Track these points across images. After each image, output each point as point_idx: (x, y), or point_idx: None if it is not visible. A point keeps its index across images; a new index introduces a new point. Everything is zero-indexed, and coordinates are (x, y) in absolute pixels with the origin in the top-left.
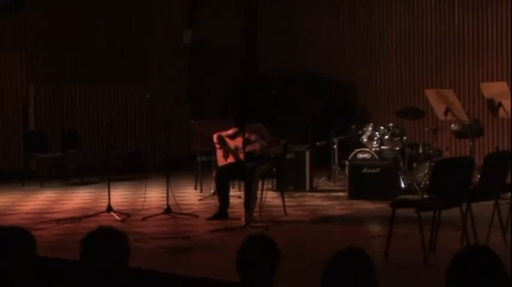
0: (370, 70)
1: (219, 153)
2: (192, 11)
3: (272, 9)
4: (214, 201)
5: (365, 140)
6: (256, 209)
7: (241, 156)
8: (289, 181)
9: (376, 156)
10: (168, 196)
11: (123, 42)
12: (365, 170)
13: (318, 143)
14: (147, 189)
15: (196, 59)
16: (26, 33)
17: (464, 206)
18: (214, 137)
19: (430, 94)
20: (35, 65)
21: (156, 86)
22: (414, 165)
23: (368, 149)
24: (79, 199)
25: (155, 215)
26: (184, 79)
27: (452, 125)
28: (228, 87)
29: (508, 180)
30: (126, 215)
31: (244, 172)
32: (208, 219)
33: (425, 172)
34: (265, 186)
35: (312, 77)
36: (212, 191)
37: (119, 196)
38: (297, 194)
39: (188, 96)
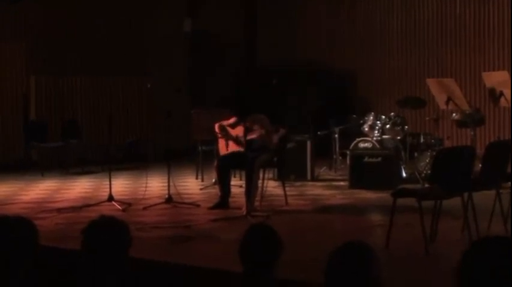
0: (371, 60)
1: (221, 142)
2: (193, 2)
3: (272, 0)
4: (215, 190)
5: (366, 129)
6: (257, 198)
7: (243, 145)
8: (290, 171)
9: (377, 145)
10: (169, 186)
11: (124, 35)
12: (366, 159)
13: (319, 133)
14: (148, 178)
15: (196, 51)
16: (26, 24)
17: (465, 195)
18: (216, 126)
19: (432, 83)
20: (36, 55)
21: (157, 77)
22: (415, 154)
23: (369, 139)
24: (80, 188)
25: (156, 204)
26: (184, 71)
27: (454, 115)
28: (228, 80)
29: (509, 169)
30: (127, 205)
31: (245, 161)
32: (210, 208)
33: (427, 161)
34: (266, 175)
35: (313, 68)
36: (213, 180)
37: (120, 185)
38: (298, 184)
39: (188, 88)
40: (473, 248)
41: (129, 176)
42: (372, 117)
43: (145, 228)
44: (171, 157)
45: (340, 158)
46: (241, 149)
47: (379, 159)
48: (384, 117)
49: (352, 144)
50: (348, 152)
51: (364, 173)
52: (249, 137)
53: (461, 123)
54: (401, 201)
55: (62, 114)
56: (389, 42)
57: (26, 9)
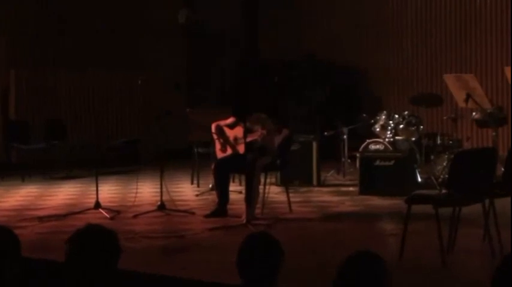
0: (383, 54)
1: (218, 144)
2: None
3: None
4: (213, 197)
5: (378, 129)
6: (259, 205)
7: (242, 147)
8: (294, 175)
9: (390, 147)
10: (161, 191)
11: (114, 26)
12: (378, 162)
13: (325, 133)
14: (138, 183)
15: (193, 45)
16: (7, 15)
17: (486, 202)
18: (213, 127)
19: (449, 79)
20: (17, 48)
21: (150, 72)
22: (432, 157)
23: (381, 140)
24: (64, 194)
25: (148, 212)
26: (180, 67)
27: (474, 113)
28: (227, 77)
29: None
30: (115, 212)
31: (245, 164)
32: (206, 216)
33: (444, 164)
34: (268, 180)
35: (318, 61)
36: (210, 185)
37: (108, 191)
38: (303, 189)
39: (185, 85)
40: (504, 263)
41: (118, 180)
42: (384, 117)
43: (136, 238)
44: (164, 160)
45: (349, 161)
46: (239, 152)
47: (392, 162)
48: (397, 116)
49: (362, 146)
50: (357, 155)
51: (375, 177)
52: (249, 138)
53: (482, 123)
54: (416, 208)
55: (44, 112)
56: (403, 35)
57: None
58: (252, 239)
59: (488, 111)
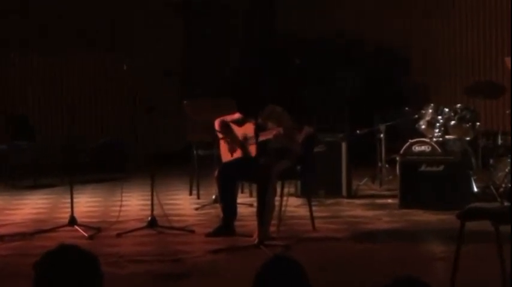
0: (431, 33)
1: (223, 145)
2: None
3: None
4: (216, 210)
5: (423, 127)
6: (274, 221)
7: (253, 148)
8: (318, 184)
9: (439, 149)
10: (152, 204)
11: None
12: (423, 168)
13: (358, 131)
14: (124, 194)
15: (192, 22)
16: None
17: None
18: (217, 123)
19: None
20: None
21: (138, 56)
22: (491, 161)
23: (427, 140)
24: (31, 207)
25: (135, 230)
26: (175, 48)
27: None
28: (234, 61)
29: None
30: (95, 230)
31: (257, 170)
32: (208, 235)
33: (506, 170)
34: (286, 190)
35: (350, 42)
36: (213, 197)
37: (86, 203)
38: (330, 201)
39: (181, 72)
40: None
41: (98, 191)
42: (430, 111)
43: (120, 262)
44: (156, 165)
45: (387, 166)
46: (250, 155)
47: (441, 168)
48: (447, 110)
49: (404, 147)
50: (397, 159)
51: (420, 187)
52: (262, 137)
53: None
54: (471, 225)
55: (7, 107)
56: (455, 11)
57: None
58: (271, 266)
59: None
